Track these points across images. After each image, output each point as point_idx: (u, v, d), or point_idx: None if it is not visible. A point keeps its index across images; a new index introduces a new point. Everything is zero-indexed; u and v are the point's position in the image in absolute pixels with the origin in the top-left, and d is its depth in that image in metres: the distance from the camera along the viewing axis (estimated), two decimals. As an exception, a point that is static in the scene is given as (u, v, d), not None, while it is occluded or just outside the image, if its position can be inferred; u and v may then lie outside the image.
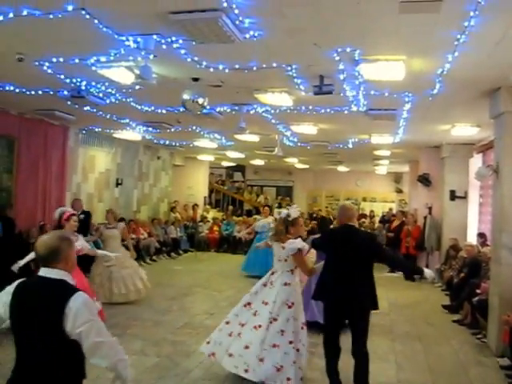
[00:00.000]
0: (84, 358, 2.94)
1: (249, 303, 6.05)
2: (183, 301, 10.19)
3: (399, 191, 25.60)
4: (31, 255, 6.76)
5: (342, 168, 22.58)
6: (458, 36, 5.21)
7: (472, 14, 4.62)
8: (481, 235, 11.73)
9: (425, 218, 14.31)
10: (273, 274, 6.04)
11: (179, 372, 6.18)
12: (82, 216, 11.12)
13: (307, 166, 22.76)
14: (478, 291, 8.68)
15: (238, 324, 5.97)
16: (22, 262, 6.94)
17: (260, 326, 5.69)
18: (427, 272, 5.77)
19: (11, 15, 5.09)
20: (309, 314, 7.44)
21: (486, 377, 6.52)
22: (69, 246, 3.06)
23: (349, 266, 5.38)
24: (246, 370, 5.58)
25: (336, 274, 5.47)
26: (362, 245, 5.48)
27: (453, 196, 13.47)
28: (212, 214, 21.02)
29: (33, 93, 8.73)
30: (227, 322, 6.10)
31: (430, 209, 14.21)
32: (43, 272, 2.96)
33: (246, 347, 5.67)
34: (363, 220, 19.61)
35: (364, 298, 5.43)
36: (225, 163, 23.54)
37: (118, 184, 15.61)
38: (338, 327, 5.66)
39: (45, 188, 12.06)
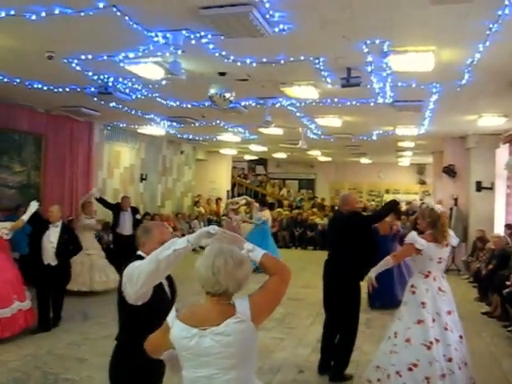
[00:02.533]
0: None
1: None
2: (210, 294, 10.23)
3: (422, 183, 25.37)
4: (31, 208, 7.50)
5: (364, 160, 22.48)
6: (491, 25, 5.15)
7: (507, 2, 4.56)
8: (509, 226, 11.60)
9: (450, 209, 14.16)
10: (434, 279, 5.17)
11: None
12: (138, 216, 11.73)
13: (329, 159, 22.68)
14: (507, 283, 8.59)
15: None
16: (25, 218, 7.47)
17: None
18: (399, 197, 6.07)
19: (43, 14, 5.16)
20: None
21: (519, 369, 6.47)
22: None
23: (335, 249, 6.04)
24: None
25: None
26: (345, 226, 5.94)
27: (479, 187, 13.35)
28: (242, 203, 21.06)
29: (60, 90, 8.84)
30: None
31: (455, 200, 14.07)
32: None
33: None
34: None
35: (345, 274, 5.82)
36: (247, 157, 23.56)
37: (142, 179, 15.76)
38: (330, 310, 6.06)
39: (72, 184, 12.23)
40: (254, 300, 2.50)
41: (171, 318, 2.54)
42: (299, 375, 6.03)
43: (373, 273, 5.31)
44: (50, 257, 7.59)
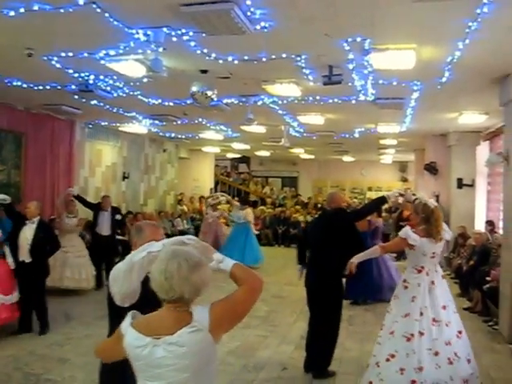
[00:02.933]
0: None
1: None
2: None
3: (404, 180, 25.54)
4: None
5: (347, 158, 22.56)
6: (470, 23, 5.20)
7: (485, 0, 4.60)
8: (489, 223, 11.73)
9: (432, 206, 14.26)
10: (427, 274, 5.17)
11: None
12: (118, 216, 11.37)
13: (312, 157, 22.74)
14: (488, 279, 8.70)
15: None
16: None
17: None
18: (389, 193, 5.98)
19: (22, 10, 5.10)
20: None
21: (500, 363, 6.54)
22: None
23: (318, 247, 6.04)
24: None
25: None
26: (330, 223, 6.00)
27: (460, 184, 13.46)
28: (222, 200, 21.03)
29: (40, 88, 8.73)
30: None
31: (437, 197, 14.14)
32: None
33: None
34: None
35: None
36: (230, 155, 23.52)
37: (124, 177, 15.64)
38: (314, 308, 6.06)
39: (53, 182, 12.11)
40: (215, 309, 2.30)
41: (125, 325, 2.37)
42: (283, 372, 6.05)
43: (356, 259, 5.33)
44: (24, 253, 7.41)
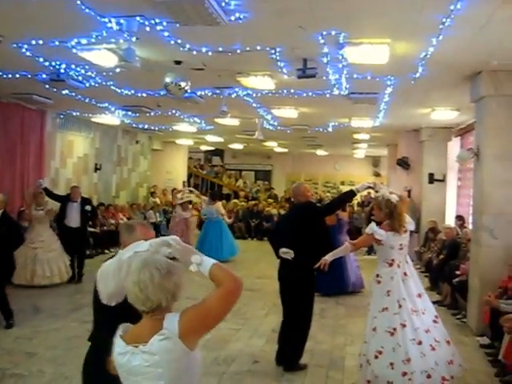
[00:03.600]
0: None
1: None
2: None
3: (377, 175, 25.75)
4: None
5: (320, 152, 22.66)
6: (444, 19, 5.23)
7: (459, -4, 4.64)
8: (459, 217, 11.89)
9: (404, 201, 14.39)
10: (398, 266, 5.27)
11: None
12: (88, 207, 10.74)
13: (286, 150, 22.78)
14: (457, 272, 8.82)
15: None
16: None
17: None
18: (358, 186, 6.06)
19: (-9, -4, 4.97)
20: None
21: (467, 355, 6.60)
22: None
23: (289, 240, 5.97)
24: None
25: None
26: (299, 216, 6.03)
27: (431, 179, 13.61)
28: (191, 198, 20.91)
29: (10, 76, 8.55)
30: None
31: (409, 192, 14.30)
32: None
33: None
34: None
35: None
36: (203, 147, 23.41)
37: (96, 169, 15.45)
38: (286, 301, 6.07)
39: (23, 174, 11.87)
40: (185, 315, 2.25)
41: (116, 336, 2.37)
42: (254, 365, 6.05)
43: (329, 257, 5.37)
44: None
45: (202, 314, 2.31)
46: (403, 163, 14.81)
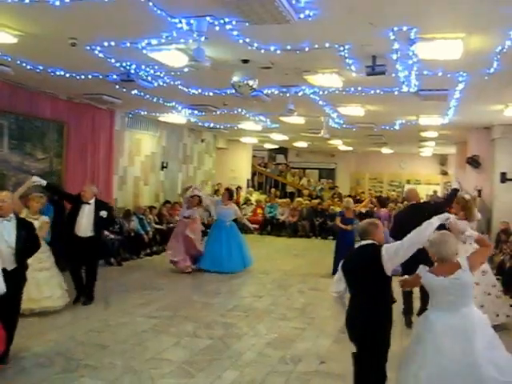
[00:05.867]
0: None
1: None
2: (231, 283, 10.23)
3: (444, 173, 25.10)
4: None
5: (385, 150, 22.27)
6: (522, 11, 5.01)
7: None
8: (534, 219, 11.43)
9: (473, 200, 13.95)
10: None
11: (232, 354, 6.21)
12: (104, 213, 8.35)
13: (350, 148, 22.50)
14: (532, 276, 8.48)
15: None
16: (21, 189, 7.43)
17: None
18: (456, 185, 8.90)
19: (67, 0, 5.12)
20: None
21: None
22: None
23: None
24: None
25: None
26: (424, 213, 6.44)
27: (504, 178, 13.13)
28: (255, 196, 21.03)
29: (82, 77, 8.85)
30: None
31: (479, 191, 13.87)
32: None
33: None
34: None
35: None
36: (267, 145, 23.44)
37: (163, 167, 15.76)
38: None
39: (93, 171, 12.27)
40: (469, 258, 4.22)
41: (422, 270, 4.30)
42: (321, 366, 5.98)
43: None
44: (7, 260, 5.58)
45: (476, 258, 4.33)
46: (473, 162, 14.33)
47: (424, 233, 4.21)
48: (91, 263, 8.48)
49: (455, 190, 8.31)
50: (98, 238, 8.61)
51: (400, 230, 6.31)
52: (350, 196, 22.61)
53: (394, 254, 4.24)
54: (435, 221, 4.26)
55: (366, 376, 4.40)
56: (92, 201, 8.35)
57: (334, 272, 10.60)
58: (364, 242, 4.55)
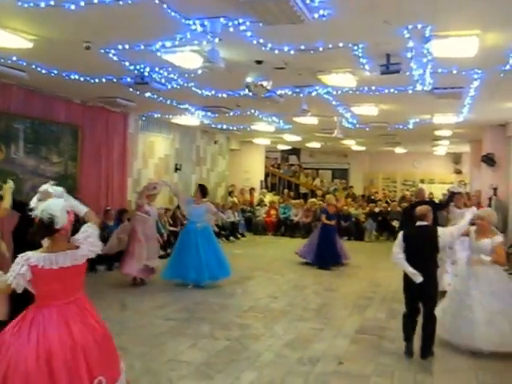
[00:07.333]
0: None
1: None
2: (246, 284, 10.23)
3: (458, 172, 24.93)
4: None
5: (399, 149, 22.15)
6: (540, 7, 4.96)
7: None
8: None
9: (489, 199, 13.84)
10: None
11: (250, 355, 6.20)
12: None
13: (363, 148, 22.39)
14: (551, 274, 8.41)
15: None
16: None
17: None
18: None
19: (82, 4, 5.16)
20: None
21: None
22: None
23: None
24: None
25: None
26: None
27: (520, 176, 13.00)
28: (269, 197, 21.01)
29: (97, 81, 8.90)
30: None
31: (494, 190, 13.74)
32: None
33: None
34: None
35: None
36: (280, 146, 23.41)
37: (176, 169, 15.82)
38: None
39: (107, 174, 12.35)
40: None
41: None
42: (339, 367, 5.95)
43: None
44: None
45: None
46: (488, 160, 14.21)
47: (464, 225, 6.37)
48: None
49: (452, 193, 9.87)
50: None
51: (408, 220, 7.54)
52: (363, 196, 22.68)
53: (450, 236, 6.22)
54: (467, 216, 6.51)
55: (431, 320, 6.13)
56: None
57: (318, 263, 12.11)
58: (421, 223, 6.19)
